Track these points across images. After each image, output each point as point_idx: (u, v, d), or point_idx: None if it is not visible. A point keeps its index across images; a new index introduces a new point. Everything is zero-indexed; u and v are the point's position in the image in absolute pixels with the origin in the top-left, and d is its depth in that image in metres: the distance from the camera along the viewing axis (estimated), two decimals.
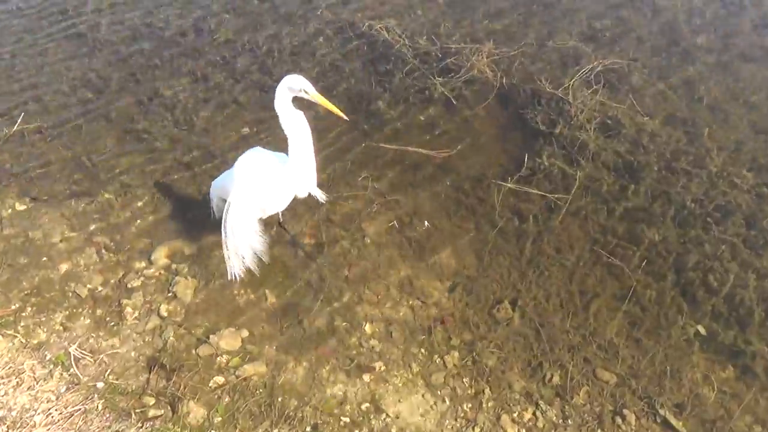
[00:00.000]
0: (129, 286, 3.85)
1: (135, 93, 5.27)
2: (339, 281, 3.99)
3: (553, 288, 4.02)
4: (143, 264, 3.99)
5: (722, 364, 3.67)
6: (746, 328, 3.79)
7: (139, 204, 4.38)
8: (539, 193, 4.55)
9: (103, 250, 4.04)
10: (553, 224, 4.37)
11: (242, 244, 3.51)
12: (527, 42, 5.91)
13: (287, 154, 3.46)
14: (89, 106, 5.12)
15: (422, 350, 3.67)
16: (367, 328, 3.77)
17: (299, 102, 3.43)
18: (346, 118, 3.34)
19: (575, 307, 3.93)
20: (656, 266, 4.16)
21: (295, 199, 3.76)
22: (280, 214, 4.04)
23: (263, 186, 3.52)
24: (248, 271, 3.61)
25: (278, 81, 3.33)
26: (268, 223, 3.93)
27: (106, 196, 4.41)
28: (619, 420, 3.40)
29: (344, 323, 3.77)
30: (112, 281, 3.87)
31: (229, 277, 3.59)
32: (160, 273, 3.95)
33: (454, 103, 5.28)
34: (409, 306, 3.91)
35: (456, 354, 3.66)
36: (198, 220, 4.28)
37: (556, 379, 3.56)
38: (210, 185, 4.05)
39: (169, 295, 3.83)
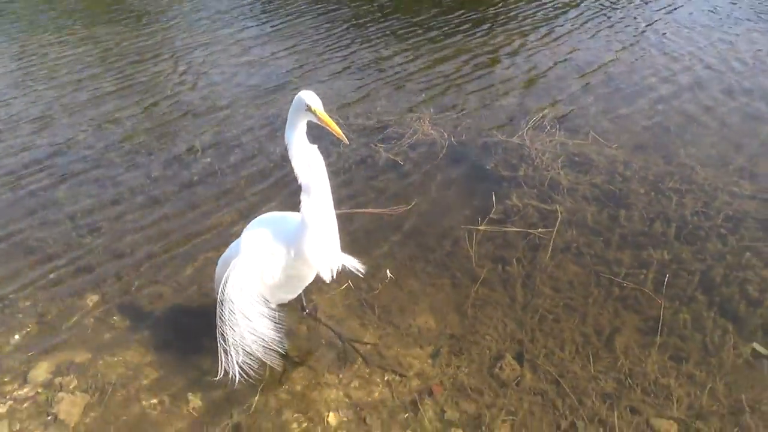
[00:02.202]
0: None
1: (32, 210, 4.44)
2: (285, 369, 2.99)
3: (562, 332, 3.14)
4: (15, 385, 2.92)
5: None
6: None
7: (20, 316, 3.38)
8: (519, 230, 3.82)
9: None
10: (543, 263, 3.59)
11: (245, 329, 2.50)
12: (468, 105, 5.53)
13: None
14: None
15: None
16: (331, 418, 2.73)
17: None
18: (347, 141, 2.56)
19: (595, 348, 3.03)
20: (678, 288, 3.37)
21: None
22: (304, 299, 3.08)
23: (273, 252, 2.57)
24: (255, 367, 2.55)
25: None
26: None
27: None
28: None
29: (297, 415, 2.73)
30: None
31: (219, 376, 2.53)
32: (37, 393, 2.86)
33: (402, 164, 4.66)
34: (383, 382, 2.91)
35: None
36: (98, 323, 3.30)
37: None
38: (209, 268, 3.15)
39: (48, 419, 2.73)
